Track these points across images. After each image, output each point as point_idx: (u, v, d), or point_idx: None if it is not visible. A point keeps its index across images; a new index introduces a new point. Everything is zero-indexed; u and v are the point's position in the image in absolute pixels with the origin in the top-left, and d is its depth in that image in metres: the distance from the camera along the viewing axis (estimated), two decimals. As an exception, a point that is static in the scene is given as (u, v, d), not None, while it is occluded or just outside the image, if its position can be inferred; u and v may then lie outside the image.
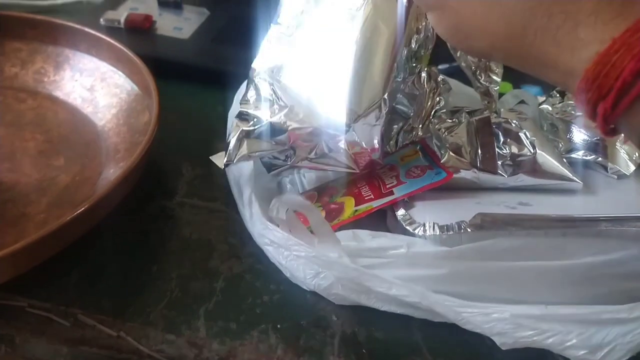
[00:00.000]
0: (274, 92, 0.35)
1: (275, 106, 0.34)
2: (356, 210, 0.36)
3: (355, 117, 0.32)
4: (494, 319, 0.28)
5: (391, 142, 0.41)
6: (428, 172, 0.37)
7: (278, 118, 0.33)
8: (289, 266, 0.33)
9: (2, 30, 0.48)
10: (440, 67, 0.46)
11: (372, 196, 0.37)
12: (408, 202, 0.35)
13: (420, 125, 0.39)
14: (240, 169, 0.38)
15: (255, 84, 0.36)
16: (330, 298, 0.33)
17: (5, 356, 0.34)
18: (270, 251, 0.34)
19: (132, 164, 0.35)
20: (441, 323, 0.32)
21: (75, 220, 0.31)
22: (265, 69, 0.36)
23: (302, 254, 0.32)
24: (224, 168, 0.35)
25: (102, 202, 0.33)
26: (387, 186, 0.37)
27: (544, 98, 0.44)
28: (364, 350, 0.32)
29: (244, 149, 0.34)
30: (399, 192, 0.36)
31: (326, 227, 0.31)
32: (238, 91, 0.44)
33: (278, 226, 0.33)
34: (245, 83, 0.38)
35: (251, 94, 0.36)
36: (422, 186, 0.35)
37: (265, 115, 0.34)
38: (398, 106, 0.40)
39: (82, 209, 0.31)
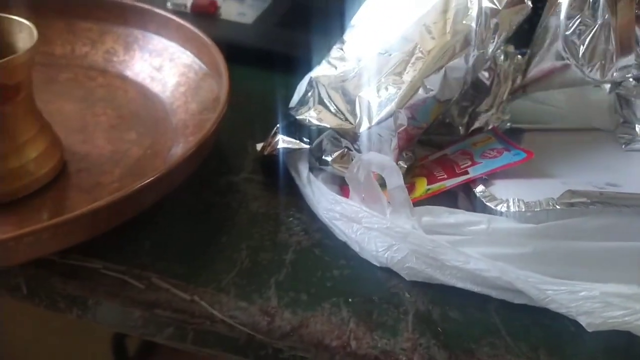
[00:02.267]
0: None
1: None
2: (428, 189, 0.35)
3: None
4: (581, 297, 0.27)
5: (460, 121, 0.40)
6: (505, 153, 0.36)
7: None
8: (360, 240, 0.32)
9: (72, 11, 0.50)
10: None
11: (445, 176, 0.36)
12: (487, 179, 0.34)
13: (498, 107, 0.38)
14: (293, 154, 0.38)
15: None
16: (403, 273, 0.32)
17: (76, 320, 0.34)
18: (339, 226, 0.33)
19: (203, 137, 0.35)
20: (521, 306, 0.31)
21: (148, 187, 0.31)
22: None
23: (375, 226, 0.31)
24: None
25: (173, 172, 0.33)
26: (462, 166, 0.36)
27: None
28: (439, 329, 0.31)
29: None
30: (474, 172, 0.35)
31: (403, 193, 0.30)
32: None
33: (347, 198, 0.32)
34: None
35: None
36: (500, 165, 0.34)
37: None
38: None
39: (155, 176, 0.32)
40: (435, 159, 0.38)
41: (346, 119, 0.36)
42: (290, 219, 0.37)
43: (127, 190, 0.30)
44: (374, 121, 0.35)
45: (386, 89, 0.36)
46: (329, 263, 0.34)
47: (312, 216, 0.37)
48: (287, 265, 0.33)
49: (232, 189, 0.39)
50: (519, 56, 0.41)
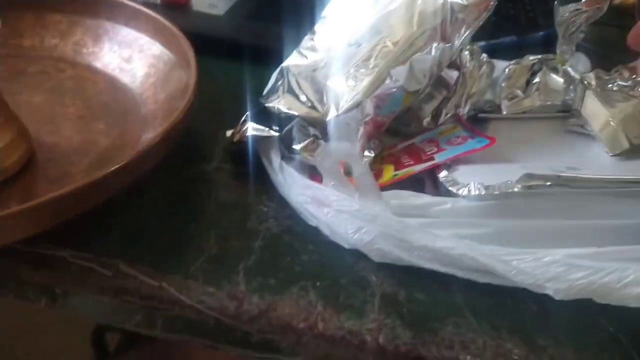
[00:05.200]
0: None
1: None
2: (395, 175, 0.36)
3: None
4: (545, 262, 0.28)
5: (426, 118, 0.41)
6: (469, 140, 0.37)
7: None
8: (330, 222, 0.33)
9: (42, 3, 0.49)
10: (480, 44, 0.46)
11: (411, 162, 0.36)
12: (451, 165, 0.34)
13: (465, 105, 0.39)
14: (264, 141, 0.38)
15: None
16: (372, 255, 0.32)
17: (45, 308, 0.34)
18: (310, 210, 0.34)
19: (170, 124, 0.35)
20: (484, 287, 0.32)
21: (115, 173, 0.32)
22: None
23: (345, 209, 0.31)
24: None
25: (140, 159, 0.33)
26: (428, 153, 0.36)
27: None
28: (404, 310, 0.31)
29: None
30: (440, 158, 0.35)
31: (370, 179, 0.31)
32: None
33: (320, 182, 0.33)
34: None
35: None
36: (465, 151, 0.35)
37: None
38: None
39: (122, 163, 0.32)
40: (402, 147, 0.39)
41: (315, 108, 0.37)
42: (260, 206, 0.37)
43: (93, 177, 0.30)
44: (341, 109, 0.36)
45: (354, 78, 0.36)
46: (298, 248, 0.34)
47: (282, 204, 0.37)
48: (256, 252, 0.34)
49: (202, 178, 0.39)
50: (484, 54, 0.42)
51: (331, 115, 0.35)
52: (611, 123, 0.37)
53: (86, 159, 0.38)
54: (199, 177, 0.39)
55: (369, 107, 0.35)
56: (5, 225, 0.29)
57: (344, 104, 0.35)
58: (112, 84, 0.46)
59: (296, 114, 0.37)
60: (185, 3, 0.54)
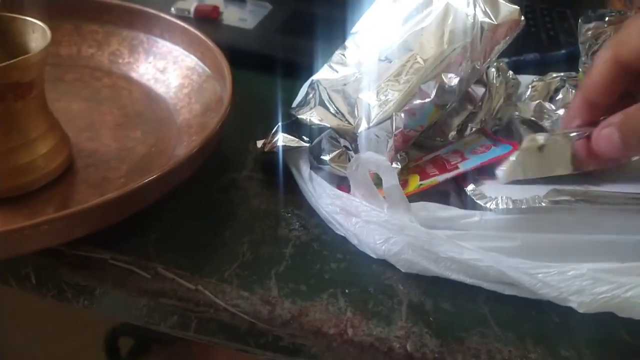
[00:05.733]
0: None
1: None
2: (421, 184, 0.37)
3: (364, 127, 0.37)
4: (570, 276, 0.29)
5: (452, 132, 0.42)
6: (493, 148, 0.38)
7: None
8: (358, 232, 0.34)
9: (79, 13, 0.51)
10: (504, 60, 0.47)
11: (436, 172, 0.38)
12: (477, 179, 0.35)
13: (491, 120, 0.41)
14: (294, 151, 0.40)
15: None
16: (399, 265, 0.33)
17: (82, 309, 0.35)
18: (339, 219, 0.35)
19: (207, 136, 0.37)
20: (509, 298, 0.33)
21: (154, 183, 0.33)
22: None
23: (373, 219, 0.32)
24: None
25: (177, 169, 0.34)
26: (452, 163, 0.38)
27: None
28: (431, 319, 0.32)
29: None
30: (464, 167, 0.37)
31: (398, 191, 0.32)
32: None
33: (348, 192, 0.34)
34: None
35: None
36: (489, 159, 0.36)
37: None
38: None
39: (161, 172, 0.33)
40: (428, 159, 0.40)
41: (346, 120, 0.38)
42: (290, 215, 0.38)
43: (134, 184, 0.32)
44: (372, 122, 0.37)
45: (385, 93, 0.38)
46: (327, 257, 0.35)
47: (311, 213, 0.38)
48: (287, 258, 0.35)
49: (234, 186, 0.40)
50: (511, 72, 0.43)
51: (362, 128, 0.37)
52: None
53: (124, 166, 0.40)
54: (231, 185, 0.40)
55: (399, 121, 0.37)
56: (50, 228, 0.30)
57: (375, 117, 0.37)
58: (147, 94, 0.48)
59: (328, 125, 0.38)
60: (217, 17, 0.56)
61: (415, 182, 0.37)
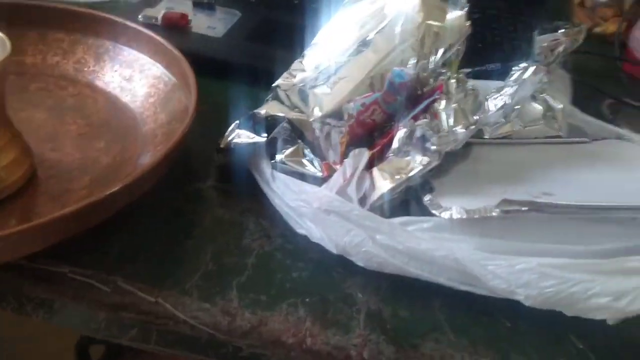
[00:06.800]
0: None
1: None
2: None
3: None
4: (519, 269, 0.30)
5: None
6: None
7: None
8: (320, 225, 0.35)
9: (45, 21, 0.51)
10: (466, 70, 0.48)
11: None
12: (434, 188, 0.36)
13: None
14: (254, 154, 0.40)
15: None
16: (359, 259, 0.34)
17: (41, 323, 0.35)
18: (302, 213, 0.36)
19: (171, 147, 0.37)
20: (463, 305, 0.34)
21: (117, 194, 0.33)
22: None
23: (335, 210, 0.34)
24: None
25: (141, 180, 0.34)
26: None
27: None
28: (388, 326, 0.33)
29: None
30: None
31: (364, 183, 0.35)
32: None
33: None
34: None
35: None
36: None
37: None
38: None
39: (123, 184, 0.33)
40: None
41: (300, 111, 0.41)
42: (254, 224, 0.39)
43: (96, 197, 0.32)
44: (325, 111, 0.40)
45: (339, 86, 0.41)
46: (289, 266, 0.36)
47: (275, 222, 0.39)
48: (249, 269, 0.35)
49: (198, 196, 0.41)
50: (470, 83, 0.44)
51: (315, 117, 0.40)
52: None
53: (87, 176, 0.40)
54: (195, 195, 0.41)
55: (352, 108, 0.39)
56: (9, 242, 0.30)
57: (328, 106, 0.40)
58: (112, 103, 0.48)
59: (282, 114, 0.40)
60: (185, 25, 0.56)
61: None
